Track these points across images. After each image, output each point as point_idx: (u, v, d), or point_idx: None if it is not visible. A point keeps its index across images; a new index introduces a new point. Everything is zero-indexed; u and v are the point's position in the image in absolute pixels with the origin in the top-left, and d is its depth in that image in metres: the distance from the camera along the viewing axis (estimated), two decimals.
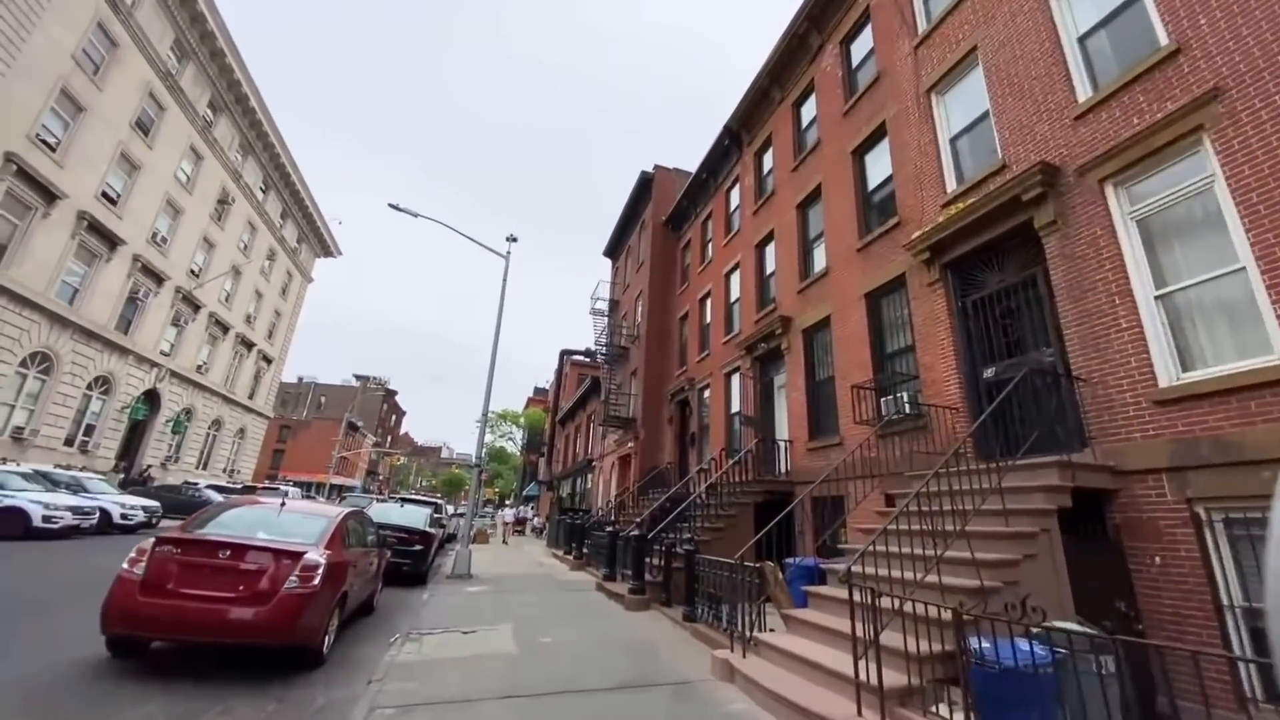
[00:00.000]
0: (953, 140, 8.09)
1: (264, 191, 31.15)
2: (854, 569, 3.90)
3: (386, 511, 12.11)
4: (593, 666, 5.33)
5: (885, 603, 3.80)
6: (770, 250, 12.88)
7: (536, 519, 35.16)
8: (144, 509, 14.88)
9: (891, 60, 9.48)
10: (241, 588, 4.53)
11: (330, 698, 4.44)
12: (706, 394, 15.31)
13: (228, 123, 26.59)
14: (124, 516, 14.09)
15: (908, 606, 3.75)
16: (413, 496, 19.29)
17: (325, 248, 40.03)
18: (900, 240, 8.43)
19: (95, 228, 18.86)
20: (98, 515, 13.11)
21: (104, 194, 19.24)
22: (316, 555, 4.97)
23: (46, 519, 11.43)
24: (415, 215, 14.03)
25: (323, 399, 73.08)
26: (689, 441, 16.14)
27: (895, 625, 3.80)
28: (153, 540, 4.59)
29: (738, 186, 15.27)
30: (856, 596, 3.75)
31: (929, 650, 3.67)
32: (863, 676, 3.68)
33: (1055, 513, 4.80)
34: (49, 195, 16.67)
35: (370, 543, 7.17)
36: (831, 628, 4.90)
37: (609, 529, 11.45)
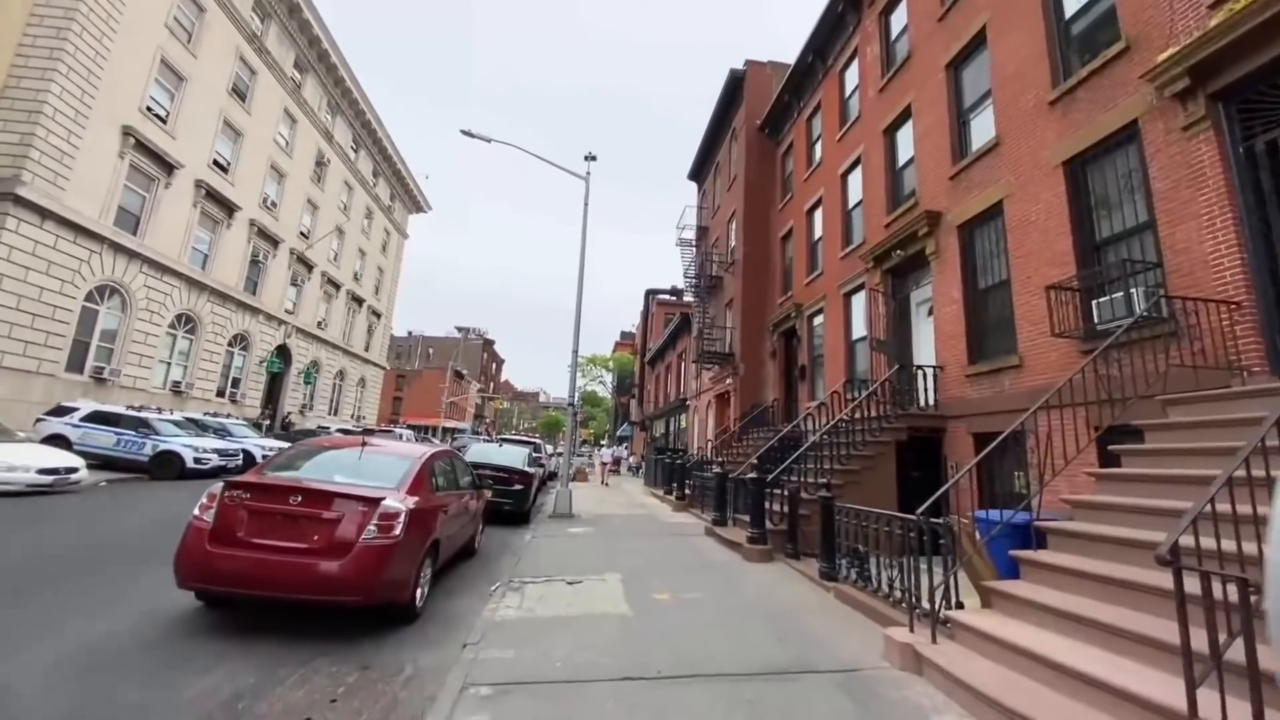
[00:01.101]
0: None
1: (355, 151, 32.01)
2: (1179, 541, 2.33)
3: (486, 451, 11.97)
4: (726, 638, 4.30)
5: (1223, 592, 2.24)
6: (904, 133, 10.35)
7: (631, 458, 35.57)
8: (280, 450, 16.22)
9: None
10: (316, 538, 3.92)
11: (420, 665, 3.78)
12: (818, 320, 13.38)
13: (314, 83, 27.05)
14: (264, 457, 15.38)
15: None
16: (512, 437, 19.62)
17: (416, 204, 41.21)
18: (1129, 74, 5.91)
19: (213, 195, 20.07)
20: (241, 456, 14.36)
21: (215, 162, 20.31)
22: (396, 501, 4.27)
23: (197, 460, 12.58)
24: (489, 140, 13.03)
25: (430, 350, 78.77)
26: (798, 375, 14.44)
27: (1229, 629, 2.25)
28: (222, 484, 4.08)
29: (855, 64, 12.49)
30: (1191, 585, 2.22)
31: None
32: (1204, 713, 2.21)
33: None
34: (167, 166, 17.74)
35: (465, 484, 6.62)
36: (1076, 613, 3.41)
37: (715, 470, 10.41)
